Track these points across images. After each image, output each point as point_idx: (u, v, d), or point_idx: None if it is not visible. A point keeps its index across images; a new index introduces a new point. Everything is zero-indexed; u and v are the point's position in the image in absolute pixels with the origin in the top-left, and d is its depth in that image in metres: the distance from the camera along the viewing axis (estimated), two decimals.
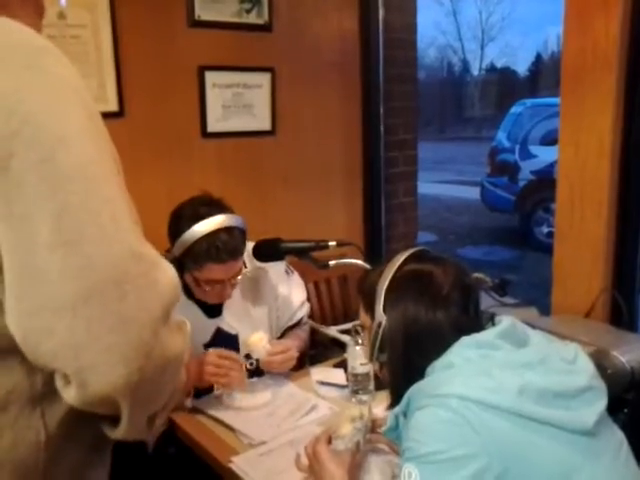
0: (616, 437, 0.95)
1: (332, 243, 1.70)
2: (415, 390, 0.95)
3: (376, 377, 1.55)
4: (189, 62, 2.26)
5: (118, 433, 0.73)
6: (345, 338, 1.70)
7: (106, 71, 2.06)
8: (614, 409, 1.01)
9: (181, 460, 1.57)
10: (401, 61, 2.94)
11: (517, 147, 7.22)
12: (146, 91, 2.17)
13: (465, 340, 0.97)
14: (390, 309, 1.03)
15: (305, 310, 1.96)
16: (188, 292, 1.69)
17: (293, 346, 1.74)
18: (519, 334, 1.00)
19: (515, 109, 7.73)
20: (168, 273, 0.72)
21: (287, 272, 1.93)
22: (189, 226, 1.59)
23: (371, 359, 1.09)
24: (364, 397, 1.59)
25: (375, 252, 2.84)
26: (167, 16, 2.19)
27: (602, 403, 0.93)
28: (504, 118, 8.03)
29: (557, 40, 24.66)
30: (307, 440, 1.24)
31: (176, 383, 0.77)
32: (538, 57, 27.47)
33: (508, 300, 1.73)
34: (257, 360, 1.70)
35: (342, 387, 1.67)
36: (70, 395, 0.68)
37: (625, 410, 1.37)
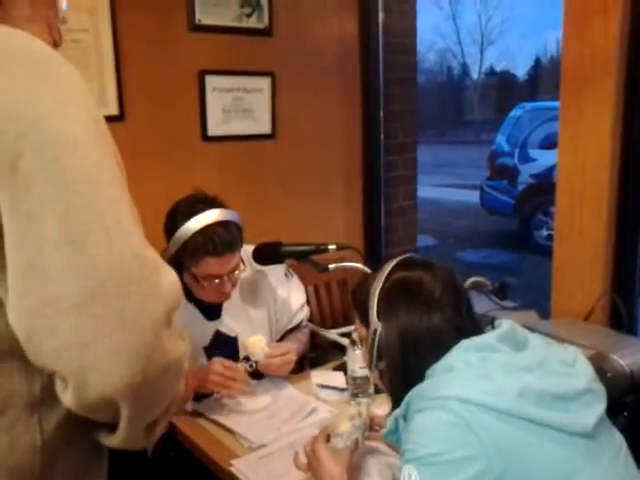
0: (615, 440, 0.96)
1: (332, 247, 1.71)
2: (415, 393, 0.95)
3: None
4: (189, 66, 2.26)
5: (115, 440, 0.73)
6: (345, 341, 1.71)
7: (107, 75, 2.06)
8: (613, 412, 1.01)
9: (181, 463, 1.57)
10: (401, 65, 2.95)
11: (516, 151, 7.23)
12: (147, 95, 2.17)
13: (465, 343, 0.97)
14: (383, 318, 1.04)
15: (304, 313, 1.96)
16: (188, 295, 1.69)
17: (292, 349, 1.74)
18: (518, 337, 1.01)
19: (514, 113, 7.74)
20: (170, 277, 0.73)
21: (287, 275, 1.93)
22: (184, 222, 1.59)
23: (370, 368, 1.09)
24: (364, 400, 1.59)
25: (375, 256, 2.84)
26: (168, 20, 2.20)
27: (601, 406, 0.93)
28: (504, 122, 8.04)
29: (556, 44, 24.75)
30: None
31: (175, 391, 0.77)
32: (537, 61, 27.52)
33: (508, 304, 1.74)
34: (256, 362, 1.70)
35: (342, 390, 1.67)
36: (69, 398, 0.68)
37: (625, 413, 1.38)
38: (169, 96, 2.23)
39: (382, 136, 2.85)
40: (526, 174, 7.03)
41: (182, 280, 1.63)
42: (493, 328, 1.02)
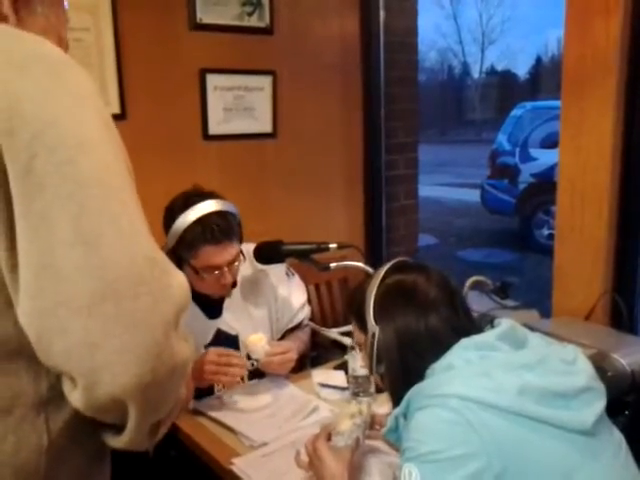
0: (615, 438, 0.96)
1: (333, 245, 1.71)
2: (415, 391, 0.96)
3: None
4: (191, 65, 2.26)
5: (121, 441, 0.74)
6: (346, 340, 1.71)
7: (108, 74, 2.06)
8: (614, 412, 1.02)
9: (182, 462, 1.57)
10: (402, 64, 2.94)
11: (517, 150, 7.23)
12: (148, 94, 2.17)
13: (464, 342, 0.98)
14: (380, 322, 1.05)
15: (305, 312, 1.96)
16: None
17: (292, 348, 1.74)
18: (518, 336, 1.01)
19: (515, 112, 7.74)
20: (179, 279, 0.74)
21: (288, 274, 1.93)
22: (181, 214, 1.61)
23: (371, 372, 1.10)
24: (365, 399, 1.59)
25: (376, 255, 2.84)
26: (169, 19, 2.20)
27: (601, 404, 0.94)
28: (504, 121, 8.04)
29: (557, 43, 24.75)
30: None
31: (179, 393, 0.77)
32: (538, 60, 27.51)
33: (509, 303, 1.74)
34: (257, 361, 1.70)
35: (343, 389, 1.67)
36: (78, 399, 0.68)
37: (626, 412, 1.38)
38: (170, 95, 2.23)
39: (383, 135, 2.85)
40: (527, 173, 7.03)
41: None
42: (493, 327, 1.02)
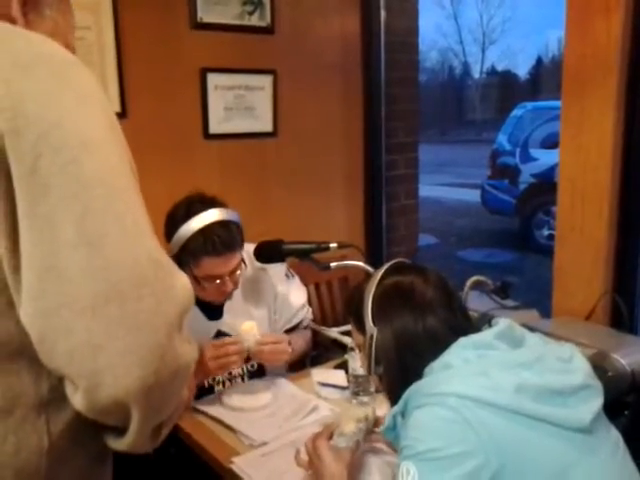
0: (612, 435, 0.96)
1: (333, 245, 1.71)
2: (413, 390, 0.96)
3: None
4: (191, 64, 2.26)
5: (123, 443, 0.74)
6: (346, 340, 1.71)
7: (109, 72, 2.06)
8: (615, 412, 1.02)
9: (182, 461, 1.57)
10: (402, 64, 2.94)
11: (518, 150, 7.23)
12: (148, 93, 2.17)
13: (462, 341, 0.98)
14: (378, 323, 1.05)
15: (304, 313, 1.96)
16: None
17: (285, 339, 1.73)
18: (516, 335, 1.02)
19: (516, 112, 7.74)
20: (183, 280, 0.73)
21: (287, 276, 1.93)
22: (183, 223, 1.59)
23: (369, 373, 1.10)
24: (365, 398, 1.59)
25: (376, 254, 2.84)
26: (169, 18, 2.20)
27: (598, 401, 0.94)
28: (505, 121, 8.03)
29: (558, 43, 24.73)
30: None
31: (181, 396, 0.77)
32: (539, 60, 27.52)
33: (509, 302, 1.74)
34: (258, 363, 1.69)
35: (343, 388, 1.67)
36: (80, 401, 0.68)
37: (626, 413, 1.38)
38: (171, 94, 2.23)
39: (383, 135, 2.85)
40: (527, 173, 7.03)
41: None
42: (491, 326, 1.03)
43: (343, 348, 1.75)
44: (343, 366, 1.73)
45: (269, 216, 2.47)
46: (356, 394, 1.61)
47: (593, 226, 1.76)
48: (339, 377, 1.72)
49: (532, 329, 1.06)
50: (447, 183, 12.09)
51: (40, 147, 0.64)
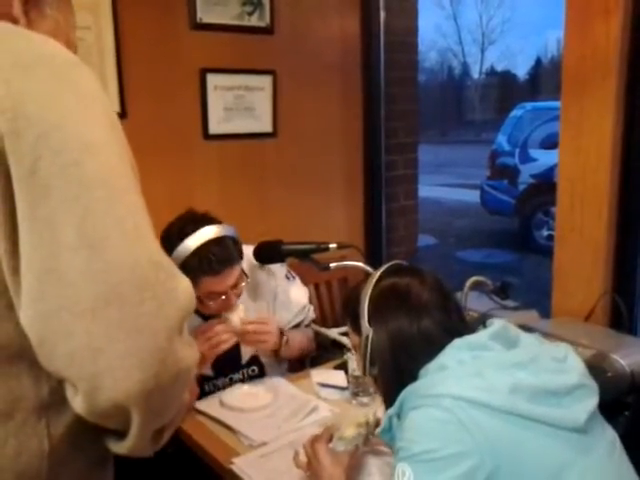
0: (608, 434, 0.97)
1: (333, 245, 1.71)
2: (408, 392, 0.96)
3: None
4: (191, 64, 2.26)
5: (124, 447, 0.73)
6: (346, 340, 1.70)
7: (108, 73, 2.06)
8: (614, 412, 1.02)
9: (182, 461, 1.57)
10: (402, 64, 2.95)
11: (517, 150, 7.22)
12: (148, 93, 2.17)
13: (457, 342, 0.99)
14: (374, 325, 1.06)
15: (306, 313, 1.95)
16: None
17: (272, 321, 1.73)
18: (510, 335, 1.02)
19: (515, 112, 7.73)
20: (184, 283, 0.73)
21: (288, 277, 1.92)
22: (177, 245, 1.56)
23: (364, 373, 1.10)
24: (364, 399, 1.59)
25: (375, 255, 2.84)
26: (169, 19, 2.20)
27: (593, 401, 0.94)
28: (504, 121, 8.03)
29: (557, 44, 24.76)
30: None
31: (182, 399, 0.77)
32: (538, 61, 27.53)
33: (509, 303, 1.74)
34: (259, 367, 1.67)
35: (342, 389, 1.67)
36: (80, 404, 0.67)
37: (625, 413, 1.38)
38: (170, 94, 2.23)
39: (383, 135, 2.85)
40: (526, 174, 7.02)
41: None
42: (485, 327, 1.03)
43: (343, 348, 1.75)
44: (343, 367, 1.73)
45: (269, 216, 2.47)
46: (356, 395, 1.61)
47: (593, 227, 1.77)
48: (339, 378, 1.72)
49: (532, 330, 1.06)
50: (446, 184, 12.08)
51: (40, 149, 0.64)
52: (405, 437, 0.92)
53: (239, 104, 2.39)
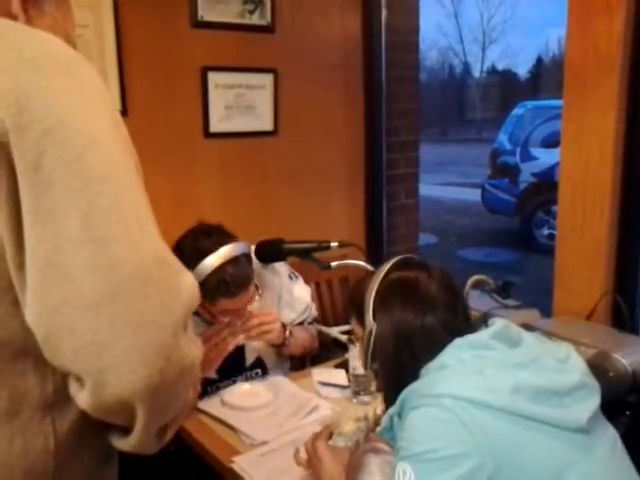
0: (610, 434, 0.96)
1: (334, 244, 1.71)
2: (409, 391, 0.96)
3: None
4: (192, 63, 2.26)
5: (128, 443, 0.73)
6: (346, 339, 1.70)
7: (109, 71, 2.06)
8: (616, 412, 1.01)
9: (182, 460, 1.57)
10: (403, 63, 2.94)
11: (518, 149, 7.22)
12: (149, 91, 2.17)
13: (458, 342, 0.98)
14: (379, 317, 1.05)
15: (309, 313, 1.95)
16: None
17: (274, 314, 1.74)
18: (512, 335, 1.02)
19: (516, 111, 7.73)
20: (189, 279, 0.73)
21: (291, 277, 1.92)
22: (193, 263, 1.52)
23: (365, 367, 1.10)
24: (365, 398, 1.59)
25: (376, 253, 2.84)
26: (170, 17, 2.20)
27: (595, 400, 0.94)
28: (505, 120, 8.03)
29: (558, 42, 24.72)
30: None
31: (187, 396, 0.77)
32: (539, 59, 27.49)
33: (510, 302, 1.74)
34: (263, 370, 1.67)
35: (343, 388, 1.67)
36: (84, 399, 0.67)
37: (627, 413, 1.37)
38: (171, 92, 2.23)
39: (384, 134, 2.85)
40: (528, 173, 7.03)
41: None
42: (487, 326, 1.02)
43: (343, 347, 1.75)
44: (344, 365, 1.73)
45: (269, 215, 2.47)
46: (357, 393, 1.60)
47: (594, 225, 1.76)
48: (340, 376, 1.72)
49: (533, 329, 1.06)
50: (447, 182, 12.08)
51: (44, 144, 0.64)
52: (406, 437, 0.92)
53: (240, 102, 2.38)
